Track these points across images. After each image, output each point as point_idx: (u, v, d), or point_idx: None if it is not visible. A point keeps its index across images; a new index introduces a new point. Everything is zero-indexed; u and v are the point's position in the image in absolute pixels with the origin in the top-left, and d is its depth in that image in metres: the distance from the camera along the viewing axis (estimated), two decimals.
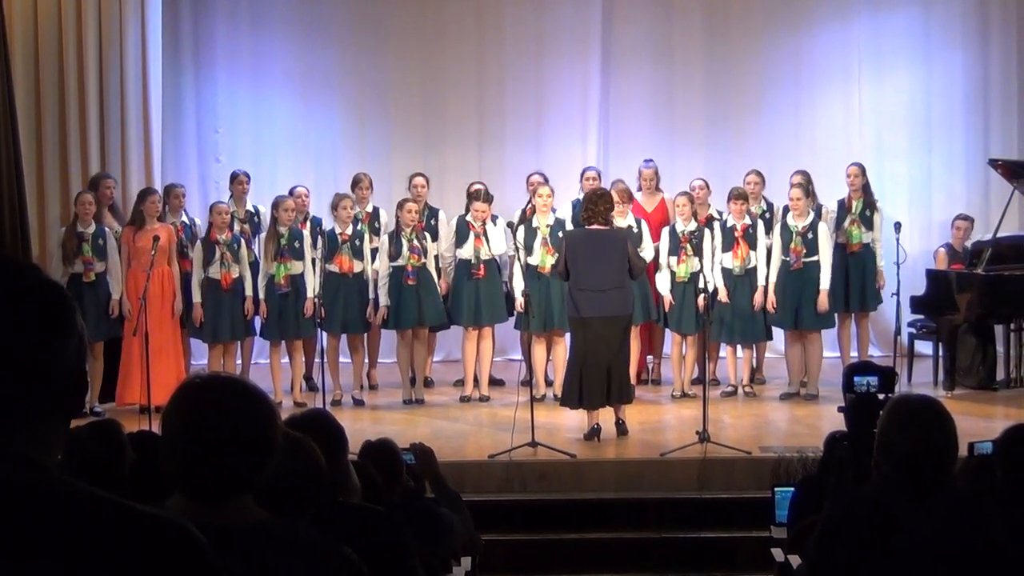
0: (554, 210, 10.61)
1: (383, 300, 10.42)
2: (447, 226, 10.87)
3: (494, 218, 10.69)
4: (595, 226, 8.93)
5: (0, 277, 1.64)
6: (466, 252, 10.58)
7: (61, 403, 1.66)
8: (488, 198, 10.67)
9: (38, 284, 1.66)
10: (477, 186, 10.86)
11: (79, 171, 11.30)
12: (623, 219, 10.16)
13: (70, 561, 1.52)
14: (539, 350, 10.55)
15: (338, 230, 10.48)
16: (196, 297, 10.29)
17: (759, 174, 11.02)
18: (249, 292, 10.36)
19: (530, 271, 10.34)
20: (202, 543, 1.62)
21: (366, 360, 11.08)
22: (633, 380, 9.49)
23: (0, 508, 1.52)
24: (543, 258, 10.31)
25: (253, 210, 11.29)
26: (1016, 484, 3.80)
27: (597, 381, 8.86)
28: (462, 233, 10.63)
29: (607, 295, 8.80)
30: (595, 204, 8.97)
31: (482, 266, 10.54)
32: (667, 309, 10.61)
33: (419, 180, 11.06)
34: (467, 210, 10.79)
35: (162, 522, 1.60)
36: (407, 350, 10.63)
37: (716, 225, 10.65)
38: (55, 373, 1.63)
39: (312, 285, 10.32)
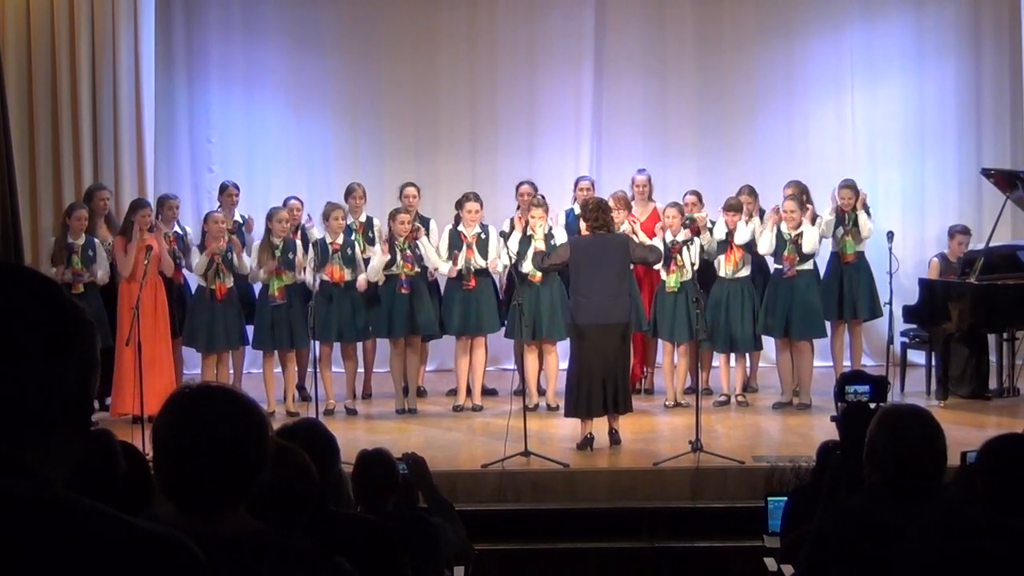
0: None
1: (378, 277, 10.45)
2: (438, 236, 10.85)
3: (485, 227, 10.69)
4: (599, 232, 8.98)
5: (12, 290, 1.64)
6: (457, 262, 10.58)
7: (68, 419, 1.65)
8: (478, 199, 10.70)
9: (47, 299, 1.66)
10: (466, 193, 10.89)
11: (72, 180, 11.30)
12: (620, 227, 10.16)
13: None
14: (531, 359, 10.56)
15: (328, 240, 10.48)
16: (200, 277, 10.32)
17: (752, 192, 10.96)
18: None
19: (522, 280, 10.32)
20: (200, 559, 1.62)
21: (360, 369, 11.07)
22: None
23: (1, 521, 1.52)
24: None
25: (241, 220, 11.27)
26: (998, 495, 3.81)
27: (595, 390, 8.88)
28: (454, 244, 10.63)
29: (606, 301, 8.83)
30: (604, 212, 9.05)
31: (472, 277, 10.55)
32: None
33: (410, 190, 11.05)
34: (457, 221, 10.80)
35: (162, 538, 1.60)
36: (400, 359, 10.63)
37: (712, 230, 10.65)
38: (60, 389, 1.63)
39: (310, 283, 10.38)
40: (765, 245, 10.46)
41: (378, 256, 10.45)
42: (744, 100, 13.00)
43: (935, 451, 3.57)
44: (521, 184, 11.24)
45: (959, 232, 11.43)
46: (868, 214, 10.75)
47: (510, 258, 10.41)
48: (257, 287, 10.63)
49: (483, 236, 10.62)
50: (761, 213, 11.00)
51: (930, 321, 10.64)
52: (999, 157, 12.57)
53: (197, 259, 10.40)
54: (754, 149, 12.82)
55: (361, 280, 10.43)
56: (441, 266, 10.63)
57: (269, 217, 10.46)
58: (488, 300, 10.68)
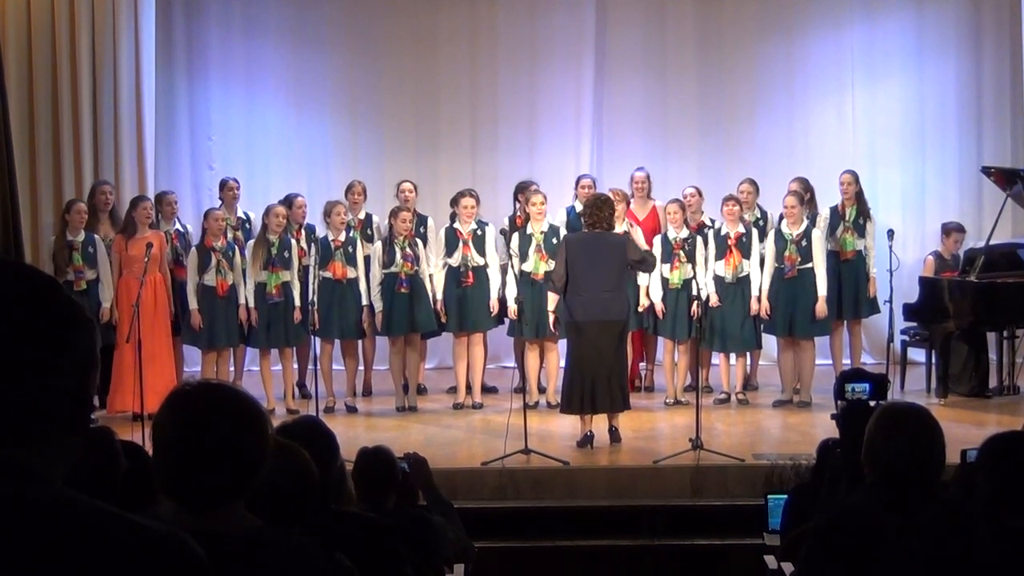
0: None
1: (377, 306, 10.45)
2: (436, 235, 10.84)
3: (483, 224, 10.68)
4: (596, 230, 8.94)
5: (12, 288, 1.64)
6: (454, 260, 10.58)
7: (68, 418, 1.65)
8: (473, 195, 10.68)
9: (46, 298, 1.66)
10: (460, 190, 10.88)
11: (72, 178, 11.30)
12: (619, 223, 10.14)
13: (71, 575, 1.52)
14: (532, 357, 10.56)
15: (331, 237, 10.48)
16: (193, 304, 10.29)
17: (752, 183, 11.02)
18: (243, 301, 10.37)
19: (523, 278, 10.33)
20: (202, 558, 1.62)
21: (360, 367, 11.07)
22: None
23: (1, 521, 1.52)
24: (536, 264, 10.30)
25: (244, 217, 11.29)
26: (999, 493, 3.80)
27: (591, 387, 8.86)
28: (450, 242, 10.63)
29: (603, 298, 8.79)
30: (600, 210, 8.94)
31: (470, 273, 10.55)
32: (660, 317, 10.61)
33: (407, 186, 11.06)
34: (452, 219, 10.80)
35: (163, 536, 1.60)
36: (399, 357, 10.63)
37: (710, 233, 10.64)
38: (59, 388, 1.63)
39: (298, 293, 10.31)
40: (769, 264, 10.49)
41: (376, 271, 10.44)
42: (744, 99, 13.00)
43: (933, 450, 3.56)
44: (530, 186, 11.08)
45: (954, 230, 11.37)
46: (870, 218, 10.77)
47: (510, 256, 10.41)
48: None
49: (479, 233, 10.61)
50: (764, 215, 11.02)
51: (930, 319, 10.64)
52: (999, 155, 12.57)
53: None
54: (754, 148, 12.82)
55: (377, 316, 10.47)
56: (435, 273, 10.60)
57: (266, 213, 10.45)
58: (485, 297, 10.67)
